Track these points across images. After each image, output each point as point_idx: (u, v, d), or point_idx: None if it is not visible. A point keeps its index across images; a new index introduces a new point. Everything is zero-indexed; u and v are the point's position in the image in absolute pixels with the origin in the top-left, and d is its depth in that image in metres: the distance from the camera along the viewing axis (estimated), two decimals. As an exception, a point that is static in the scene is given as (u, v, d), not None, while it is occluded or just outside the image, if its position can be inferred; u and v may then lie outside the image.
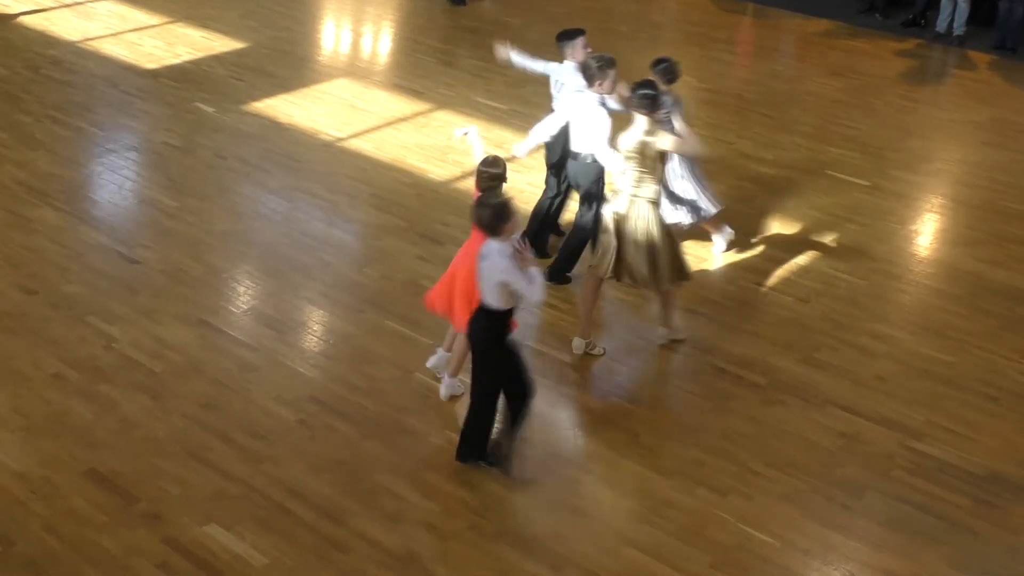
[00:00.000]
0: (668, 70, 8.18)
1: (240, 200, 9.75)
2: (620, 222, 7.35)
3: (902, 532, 6.27)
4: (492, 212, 5.97)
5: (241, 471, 6.45)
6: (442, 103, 11.94)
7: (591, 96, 7.87)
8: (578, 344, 7.64)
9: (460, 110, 11.73)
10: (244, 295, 8.31)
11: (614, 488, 6.53)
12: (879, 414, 7.23)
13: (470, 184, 10.08)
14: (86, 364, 7.34)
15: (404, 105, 11.88)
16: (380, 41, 14.17)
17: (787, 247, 9.20)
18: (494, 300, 6.07)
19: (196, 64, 12.70)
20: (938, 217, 10.08)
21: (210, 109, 11.54)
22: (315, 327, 8.00)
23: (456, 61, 13.23)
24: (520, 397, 6.33)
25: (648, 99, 7.21)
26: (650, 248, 7.31)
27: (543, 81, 8.82)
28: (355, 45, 14.01)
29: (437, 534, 6.07)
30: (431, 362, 7.32)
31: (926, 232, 9.80)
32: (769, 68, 13.61)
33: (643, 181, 7.26)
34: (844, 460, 6.81)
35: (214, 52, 13.01)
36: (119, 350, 7.51)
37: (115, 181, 9.91)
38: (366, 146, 10.85)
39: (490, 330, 6.16)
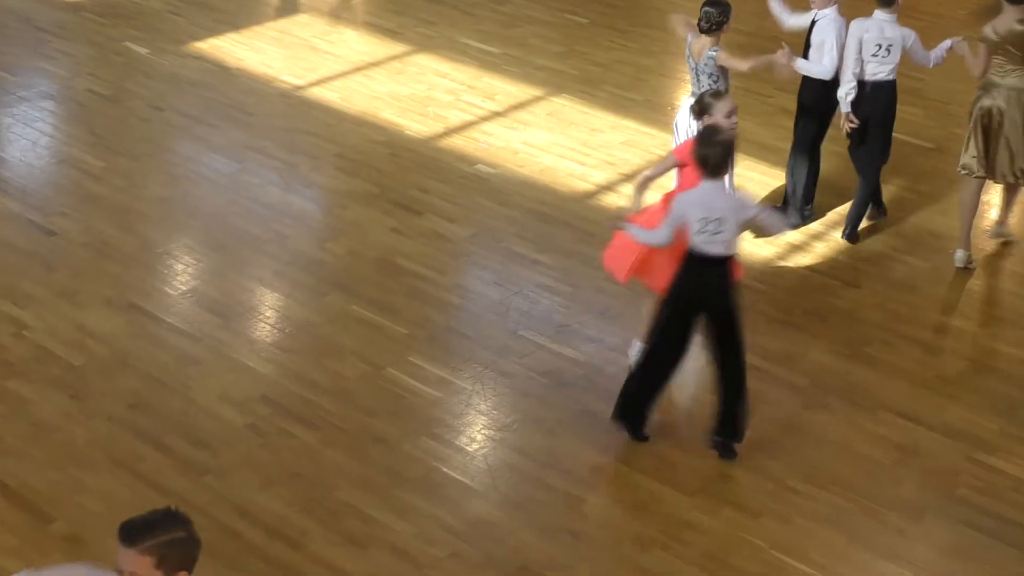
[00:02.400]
0: None
1: (179, 160, 9.74)
2: (992, 115, 8.39)
3: (968, 562, 6.29)
4: (724, 149, 6.55)
5: (179, 485, 6.46)
6: (422, 45, 11.92)
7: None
8: (961, 256, 8.68)
9: (443, 54, 11.71)
10: (183, 274, 8.31)
11: (623, 508, 6.55)
12: (942, 422, 7.26)
13: (453, 142, 10.13)
14: (-7, 356, 7.35)
15: (376, 47, 11.86)
16: (348, -30, 14.15)
17: (835, 222, 9.21)
18: (736, 243, 6.68)
19: (126, -4, 12.67)
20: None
21: (143, 50, 11.51)
22: (268, 313, 8.00)
23: (439, -6, 13.22)
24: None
25: None
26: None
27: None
28: (318, -26, 13.99)
29: (411, 562, 6.09)
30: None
31: (999, 204, 9.80)
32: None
33: (1013, 71, 8.32)
34: (900, 476, 6.84)
35: (148, -19, 12.99)
36: (32, 339, 7.50)
37: (28, 136, 9.89)
38: (331, 96, 10.84)
39: (732, 279, 6.68)
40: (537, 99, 10.83)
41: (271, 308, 8.05)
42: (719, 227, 6.42)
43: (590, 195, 9.46)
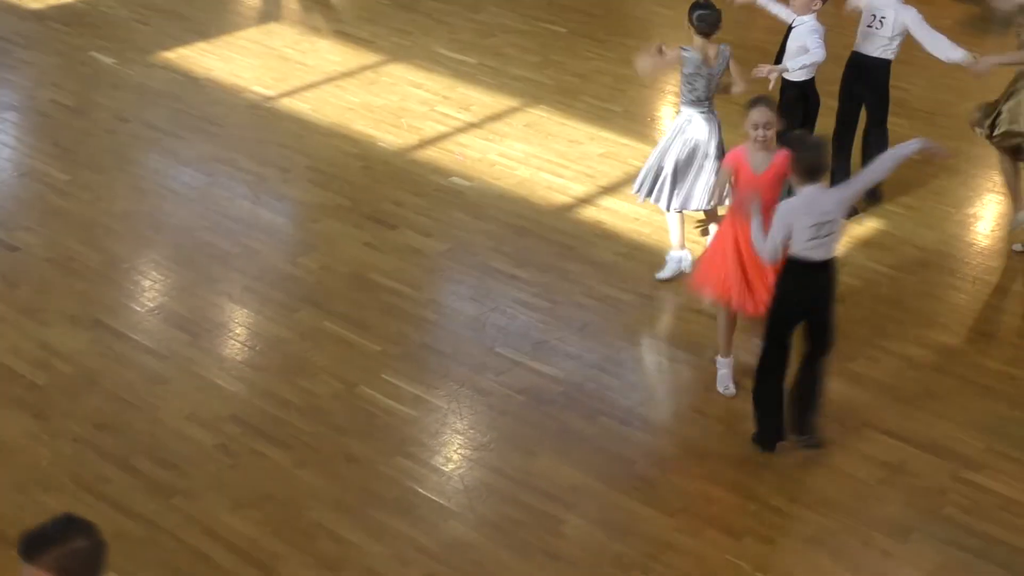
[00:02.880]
0: None
1: (146, 173, 9.74)
2: None
3: (954, 583, 6.35)
4: (824, 150, 6.75)
5: (146, 507, 6.46)
6: (395, 55, 11.94)
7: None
8: (1021, 218, 9.04)
9: (418, 64, 11.74)
10: (150, 290, 8.31)
11: (603, 529, 6.57)
12: (929, 439, 7.30)
13: (428, 154, 10.16)
14: (-47, 375, 7.35)
15: (349, 57, 11.88)
16: (320, -23, 14.18)
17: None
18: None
19: (91, 4, 12.65)
20: (1001, 199, 10.14)
21: (109, 60, 11.50)
22: (238, 330, 8.01)
23: (413, 3, 13.25)
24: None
25: None
26: None
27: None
28: (289, -18, 14.02)
29: (387, 585, 6.11)
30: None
31: (987, 217, 9.88)
32: (798, 15, 13.66)
33: None
34: (885, 495, 6.88)
35: (114, -11, 12.99)
36: (-6, 358, 7.51)
37: (-10, 148, 9.90)
38: (302, 107, 10.85)
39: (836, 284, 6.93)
40: (514, 110, 10.86)
41: (241, 325, 8.06)
42: (831, 228, 6.58)
43: (568, 208, 9.49)
